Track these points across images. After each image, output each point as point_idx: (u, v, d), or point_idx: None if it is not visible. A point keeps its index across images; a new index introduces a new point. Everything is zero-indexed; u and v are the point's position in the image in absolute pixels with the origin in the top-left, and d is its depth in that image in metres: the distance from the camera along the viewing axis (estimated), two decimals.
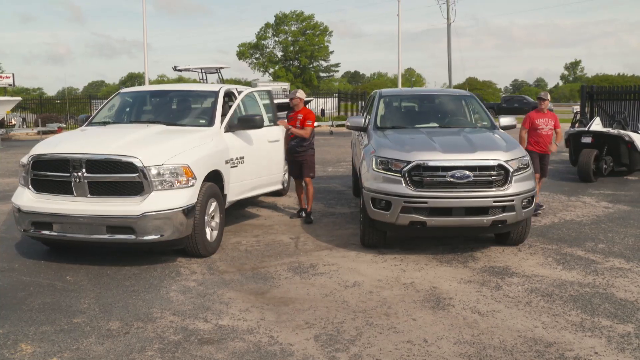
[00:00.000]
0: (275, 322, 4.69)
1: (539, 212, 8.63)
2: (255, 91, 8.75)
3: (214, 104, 7.62)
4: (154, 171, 5.83)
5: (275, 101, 9.78)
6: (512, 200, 6.14)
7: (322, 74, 77.56)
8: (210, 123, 7.31)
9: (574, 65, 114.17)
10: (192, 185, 6.11)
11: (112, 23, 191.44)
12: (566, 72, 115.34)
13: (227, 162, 7.10)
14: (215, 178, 6.78)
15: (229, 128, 7.38)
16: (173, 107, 8.21)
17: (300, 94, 8.42)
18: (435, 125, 7.91)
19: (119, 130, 7.00)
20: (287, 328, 4.56)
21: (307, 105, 9.02)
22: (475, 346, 4.21)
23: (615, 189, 11.08)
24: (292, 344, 4.27)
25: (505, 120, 7.86)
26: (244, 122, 7.44)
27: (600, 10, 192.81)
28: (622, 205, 9.48)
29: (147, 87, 9.16)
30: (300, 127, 8.24)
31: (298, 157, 8.38)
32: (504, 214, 6.15)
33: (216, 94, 7.81)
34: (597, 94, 16.38)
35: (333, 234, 7.61)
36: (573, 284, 5.56)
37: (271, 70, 72.53)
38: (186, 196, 6.03)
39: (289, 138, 8.46)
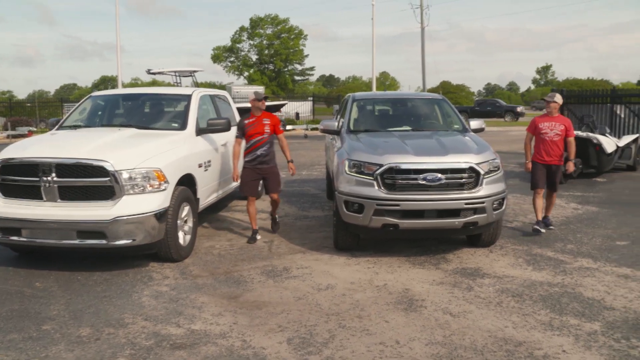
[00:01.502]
0: (248, 326, 4.68)
1: (546, 230, 7.82)
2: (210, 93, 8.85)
3: (187, 107, 7.59)
4: (125, 175, 5.77)
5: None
6: (483, 202, 6.23)
7: (297, 78, 77.46)
8: (182, 126, 7.29)
9: (545, 70, 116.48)
10: (165, 189, 6.06)
11: (83, 25, 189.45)
12: (538, 76, 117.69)
13: (200, 165, 7.09)
14: (188, 182, 6.74)
15: (199, 132, 7.42)
16: (145, 110, 8.13)
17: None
18: (408, 128, 7.96)
19: (90, 134, 6.91)
20: (260, 332, 4.56)
21: (281, 109, 8.91)
22: (447, 347, 4.26)
23: (584, 191, 11.32)
24: (265, 348, 4.27)
25: (474, 124, 7.99)
26: (214, 126, 7.45)
27: (571, 15, 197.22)
28: (590, 206, 9.69)
29: (119, 91, 9.04)
30: (270, 133, 7.27)
31: (265, 170, 7.32)
32: (475, 216, 6.24)
33: (189, 97, 7.80)
34: (567, 97, 16.74)
35: (306, 237, 7.62)
36: (543, 284, 5.66)
37: (246, 73, 72.18)
38: (158, 200, 5.97)
39: (250, 150, 7.28)
